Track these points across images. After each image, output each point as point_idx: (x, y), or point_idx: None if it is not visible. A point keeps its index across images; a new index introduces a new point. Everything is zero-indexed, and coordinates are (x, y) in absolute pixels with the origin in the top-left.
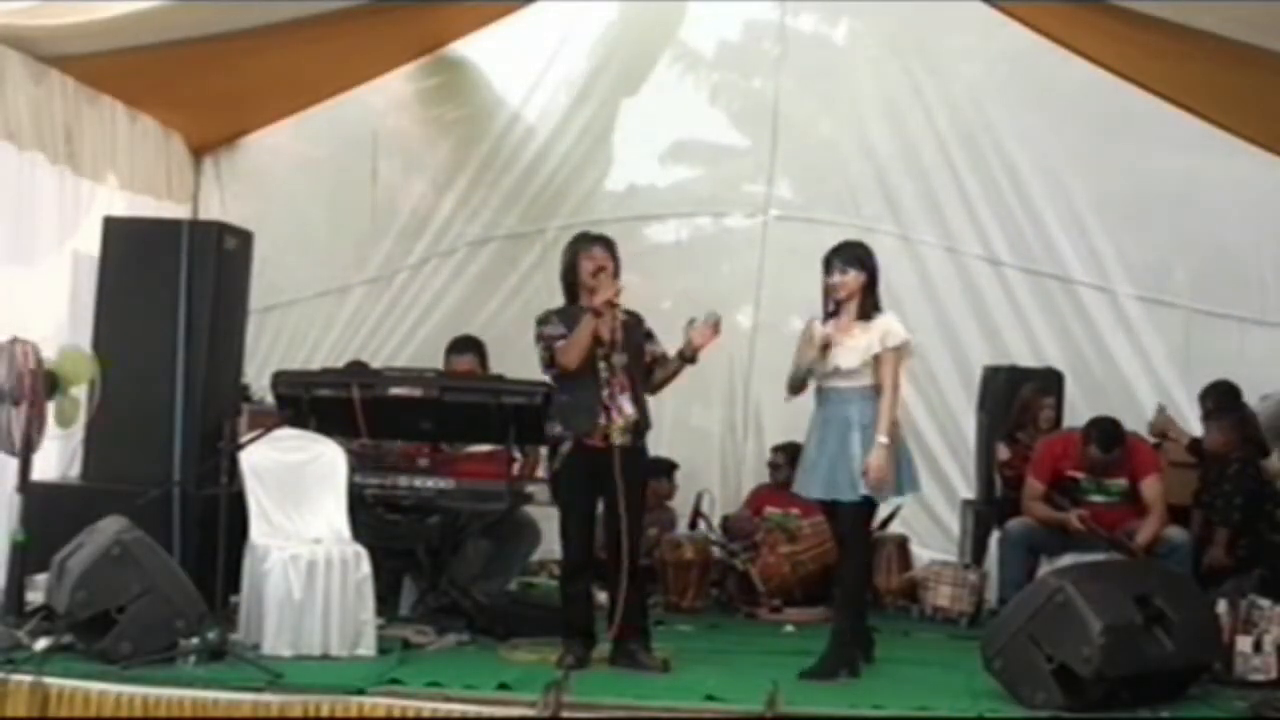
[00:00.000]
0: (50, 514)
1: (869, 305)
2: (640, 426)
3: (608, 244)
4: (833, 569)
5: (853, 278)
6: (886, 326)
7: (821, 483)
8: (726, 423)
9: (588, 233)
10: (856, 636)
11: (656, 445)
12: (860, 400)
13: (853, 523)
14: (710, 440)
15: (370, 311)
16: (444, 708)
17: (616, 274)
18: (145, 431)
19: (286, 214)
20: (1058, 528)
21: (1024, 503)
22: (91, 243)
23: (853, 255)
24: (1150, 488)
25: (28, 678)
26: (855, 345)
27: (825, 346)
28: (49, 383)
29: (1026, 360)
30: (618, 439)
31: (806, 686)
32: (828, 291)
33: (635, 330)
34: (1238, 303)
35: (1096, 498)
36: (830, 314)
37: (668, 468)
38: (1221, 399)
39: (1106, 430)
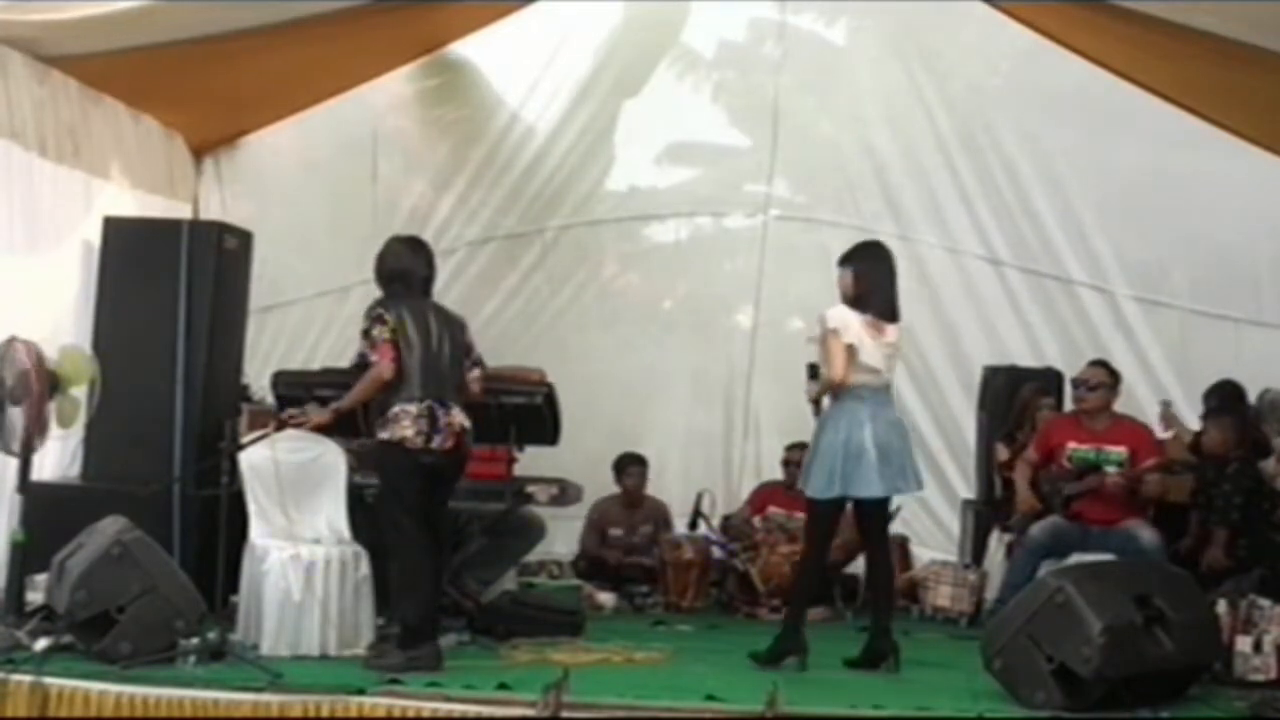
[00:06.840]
0: (50, 514)
1: None
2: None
3: None
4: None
5: None
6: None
7: (888, 480)
8: (726, 423)
9: None
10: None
11: (655, 445)
12: (891, 396)
13: (884, 515)
14: (710, 440)
15: None
16: (444, 708)
17: None
18: (145, 431)
19: (286, 214)
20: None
21: (1017, 477)
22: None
23: None
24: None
25: (28, 678)
26: (895, 343)
27: None
28: (49, 383)
29: (1026, 360)
30: None
31: (806, 687)
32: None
33: None
34: (1234, 303)
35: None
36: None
37: (634, 461)
38: (1225, 399)
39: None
